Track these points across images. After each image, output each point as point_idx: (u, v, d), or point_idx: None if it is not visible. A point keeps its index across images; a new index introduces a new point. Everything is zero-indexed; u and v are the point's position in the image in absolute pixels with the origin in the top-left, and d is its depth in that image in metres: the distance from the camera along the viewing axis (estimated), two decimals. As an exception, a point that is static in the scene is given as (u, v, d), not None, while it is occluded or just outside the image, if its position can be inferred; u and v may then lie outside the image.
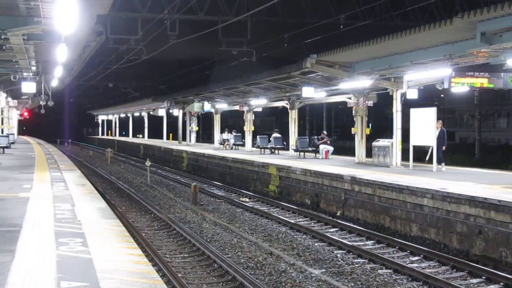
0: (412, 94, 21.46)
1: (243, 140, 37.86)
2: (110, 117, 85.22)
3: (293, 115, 30.72)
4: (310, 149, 28.75)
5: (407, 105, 22.13)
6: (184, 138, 49.42)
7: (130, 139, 71.10)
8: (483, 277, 11.31)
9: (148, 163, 29.93)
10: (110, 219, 11.24)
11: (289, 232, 16.17)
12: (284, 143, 32.59)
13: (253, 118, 36.37)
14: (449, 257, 12.66)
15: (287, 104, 30.93)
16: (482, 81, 17.21)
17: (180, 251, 13.98)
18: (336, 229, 16.60)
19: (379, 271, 12.03)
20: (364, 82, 21.48)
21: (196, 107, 41.15)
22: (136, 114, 69.07)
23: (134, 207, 21.10)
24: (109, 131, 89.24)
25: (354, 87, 22.66)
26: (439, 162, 20.06)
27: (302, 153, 28.91)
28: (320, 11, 26.70)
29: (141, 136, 74.49)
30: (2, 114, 42.49)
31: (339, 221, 17.39)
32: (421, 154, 21.71)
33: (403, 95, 21.36)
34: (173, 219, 17.76)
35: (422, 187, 15.13)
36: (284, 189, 23.20)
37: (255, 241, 14.90)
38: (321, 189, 20.28)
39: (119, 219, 13.27)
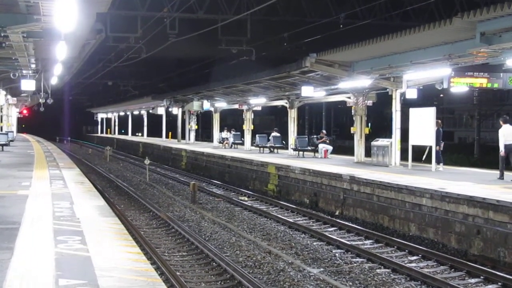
0: (412, 94, 21.47)
1: (242, 139, 37.87)
2: (110, 115, 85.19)
3: (293, 114, 30.73)
4: (309, 148, 28.76)
5: (407, 104, 22.14)
6: (183, 137, 49.42)
7: (129, 137, 71.08)
8: (481, 277, 11.32)
9: (147, 161, 29.93)
10: (108, 217, 11.24)
11: (287, 231, 16.18)
12: (283, 142, 32.61)
13: (253, 117, 36.37)
14: (447, 257, 12.67)
15: (286, 103, 30.94)
16: (481, 81, 17.22)
17: (179, 249, 13.99)
18: (335, 228, 16.61)
19: (378, 270, 12.04)
20: (363, 81, 21.49)
21: (195, 105, 41.15)
22: (136, 112, 69.06)
23: (133, 205, 21.11)
24: (108, 129, 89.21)
25: (353, 87, 22.66)
26: (437, 162, 20.08)
27: (301, 152, 28.92)
28: (320, 10, 26.68)
29: (140, 134, 74.49)
30: (1, 111, 42.46)
31: (337, 220, 17.40)
32: (420, 154, 21.72)
33: (403, 94, 21.36)
34: (172, 217, 17.76)
35: (420, 186, 15.14)
36: (283, 188, 23.21)
37: (253, 239, 14.91)
38: (320, 188, 20.29)
39: (118, 217, 13.26)
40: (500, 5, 12.56)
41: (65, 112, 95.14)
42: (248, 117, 35.76)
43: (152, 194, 24.36)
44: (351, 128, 24.36)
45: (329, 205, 19.55)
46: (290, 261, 12.55)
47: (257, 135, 34.33)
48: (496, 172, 17.79)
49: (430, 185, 15.32)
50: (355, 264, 12.50)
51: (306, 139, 30.20)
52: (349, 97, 24.53)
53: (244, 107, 35.72)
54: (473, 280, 11.33)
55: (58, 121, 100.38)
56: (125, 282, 6.77)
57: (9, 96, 42.81)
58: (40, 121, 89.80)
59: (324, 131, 30.82)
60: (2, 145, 32.54)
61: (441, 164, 20.46)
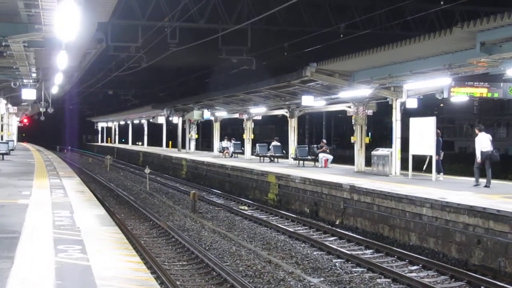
0: (412, 104, 21.51)
1: (243, 148, 37.86)
2: (110, 124, 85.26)
3: (293, 124, 30.75)
4: (309, 157, 28.76)
5: (407, 114, 22.16)
6: (183, 146, 49.41)
7: (129, 146, 71.10)
8: (482, 287, 11.29)
9: (147, 170, 29.92)
10: (109, 226, 11.23)
11: (288, 241, 16.16)
12: (284, 151, 32.61)
13: (253, 126, 36.40)
14: (448, 266, 12.65)
15: (286, 112, 30.96)
16: (481, 91, 17.25)
17: (179, 258, 13.98)
18: (335, 237, 16.59)
19: (378, 280, 12.02)
20: (363, 91, 21.52)
21: (195, 114, 41.19)
22: (136, 121, 69.11)
23: (133, 215, 21.09)
24: (109, 138, 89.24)
25: (353, 96, 22.69)
26: (438, 172, 20.08)
27: (301, 162, 28.92)
28: (320, 20, 26.74)
29: (140, 143, 74.50)
30: (2, 120, 42.48)
31: (338, 229, 17.37)
32: (420, 164, 21.72)
33: (403, 104, 21.40)
34: (172, 226, 17.75)
35: (421, 196, 15.13)
36: (283, 197, 23.19)
37: (253, 249, 14.89)
38: (320, 197, 20.27)
39: (118, 227, 13.24)
40: (500, 15, 12.60)
41: (65, 121, 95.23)
42: (249, 126, 35.77)
43: (152, 203, 24.34)
44: (351, 137, 24.38)
45: (329, 214, 19.53)
46: (290, 271, 12.53)
47: (257, 145, 34.35)
48: (496, 182, 17.80)
49: (431, 194, 15.31)
50: (355, 274, 12.48)
51: (307, 148, 30.22)
52: (349, 107, 24.56)
53: (244, 116, 35.75)
54: (473, 290, 11.33)
55: (59, 130, 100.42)
56: (125, 292, 6.77)
57: (9, 105, 42.84)
58: (41, 130, 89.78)
59: (324, 141, 30.82)
60: (3, 154, 32.52)
61: (442, 173, 20.46)
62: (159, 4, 25.21)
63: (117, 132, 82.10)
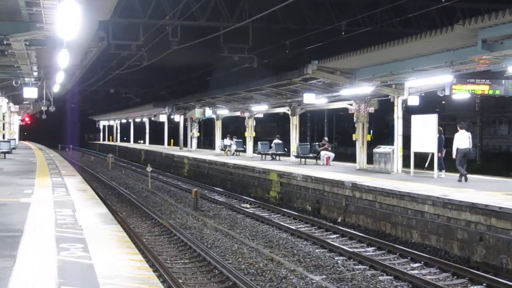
0: (413, 101, 21.48)
1: (244, 146, 37.88)
2: (112, 122, 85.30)
3: (294, 121, 30.74)
4: (311, 155, 28.77)
5: (408, 111, 22.13)
6: (185, 144, 49.43)
7: (131, 144, 71.13)
8: (484, 284, 11.29)
9: (149, 168, 29.95)
10: (111, 224, 11.23)
11: (290, 238, 16.16)
12: (285, 149, 32.61)
13: (254, 124, 36.40)
14: (450, 264, 12.65)
15: (288, 110, 30.96)
16: (483, 88, 17.21)
17: (181, 256, 13.99)
18: (337, 235, 16.59)
19: (380, 277, 12.02)
20: (365, 88, 21.51)
21: (197, 113, 41.19)
22: (138, 119, 69.13)
23: (135, 213, 21.11)
24: (110, 137, 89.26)
25: (355, 94, 22.68)
26: (439, 169, 20.08)
27: (303, 159, 28.92)
28: (322, 18, 26.75)
29: (142, 141, 74.52)
30: (3, 119, 42.50)
31: (340, 227, 17.38)
32: (422, 161, 21.71)
33: (404, 101, 21.37)
34: (174, 224, 17.76)
35: (423, 193, 15.13)
36: (285, 195, 23.19)
37: (256, 247, 14.90)
38: (322, 195, 20.27)
39: (120, 225, 13.26)
40: (502, 12, 12.58)
41: (67, 120, 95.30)
42: (250, 124, 35.78)
43: (154, 201, 24.35)
44: (353, 135, 24.37)
45: (331, 212, 19.53)
46: (292, 268, 12.54)
47: (259, 142, 34.35)
48: (498, 179, 17.80)
49: (432, 192, 15.31)
50: (357, 271, 12.48)
51: (308, 146, 30.21)
52: (351, 104, 24.54)
53: (246, 114, 35.75)
54: (475, 287, 11.31)
55: (60, 128, 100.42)
56: (127, 290, 6.77)
57: (11, 104, 42.89)
58: (42, 129, 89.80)
59: (326, 138, 30.84)
60: (4, 152, 32.53)
61: (443, 171, 20.44)
62: (160, 2, 25.22)
63: (118, 131, 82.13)
